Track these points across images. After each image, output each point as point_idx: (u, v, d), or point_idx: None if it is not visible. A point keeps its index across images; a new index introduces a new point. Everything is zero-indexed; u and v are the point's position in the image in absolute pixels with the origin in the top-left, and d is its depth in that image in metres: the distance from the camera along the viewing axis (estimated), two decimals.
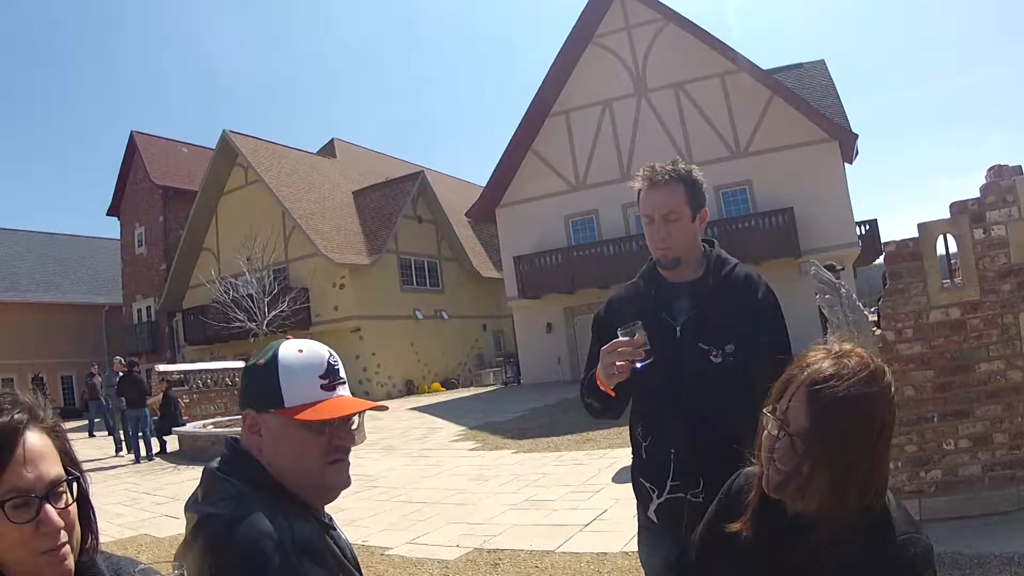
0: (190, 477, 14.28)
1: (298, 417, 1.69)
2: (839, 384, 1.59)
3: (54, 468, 1.39)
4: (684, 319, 2.87)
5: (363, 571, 1.69)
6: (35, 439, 1.38)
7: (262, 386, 1.74)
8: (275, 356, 1.75)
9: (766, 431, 1.72)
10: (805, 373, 1.65)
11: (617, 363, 2.57)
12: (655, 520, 2.91)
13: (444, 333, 38.14)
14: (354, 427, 1.82)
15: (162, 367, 24.16)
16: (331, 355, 1.80)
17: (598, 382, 2.71)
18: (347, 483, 1.80)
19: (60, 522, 1.34)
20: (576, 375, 29.17)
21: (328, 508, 1.82)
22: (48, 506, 1.33)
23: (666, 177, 2.89)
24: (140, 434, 17.76)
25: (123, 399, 18.09)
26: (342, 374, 1.81)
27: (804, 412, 1.62)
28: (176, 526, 9.54)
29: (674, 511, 2.79)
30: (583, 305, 29.38)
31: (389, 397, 32.66)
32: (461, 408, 23.95)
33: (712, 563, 1.96)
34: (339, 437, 1.75)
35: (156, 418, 19.23)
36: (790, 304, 2.88)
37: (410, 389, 34.91)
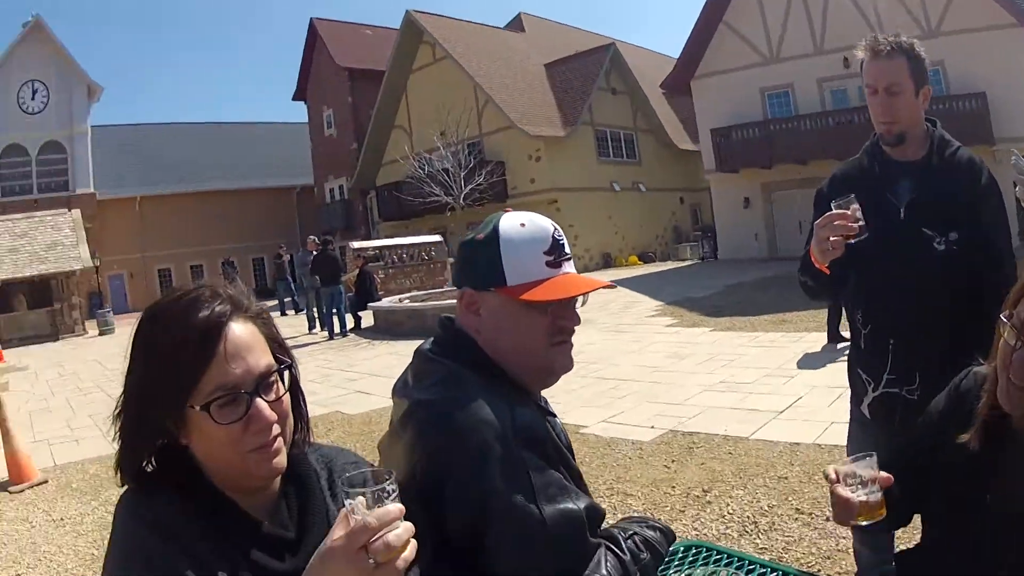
0: (385, 352, 14.99)
1: (523, 297, 1.60)
2: None
3: (263, 358, 1.31)
4: (908, 200, 2.77)
5: None
6: (241, 330, 1.30)
7: (482, 263, 1.65)
8: (496, 231, 1.65)
9: (1003, 338, 1.60)
10: None
11: (831, 238, 2.50)
12: (867, 415, 2.89)
13: (641, 205, 37.87)
14: (579, 306, 1.74)
15: (357, 244, 24.70)
16: (556, 229, 1.69)
17: (812, 259, 2.65)
18: (570, 366, 1.73)
19: (272, 416, 1.28)
20: (773, 252, 28.70)
21: None
22: (259, 400, 1.27)
23: (888, 48, 2.77)
24: (335, 311, 18.20)
25: (317, 278, 18.34)
26: (567, 249, 1.70)
27: None
28: (369, 402, 10.01)
29: (888, 407, 2.78)
30: (781, 181, 28.59)
31: (586, 270, 32.76)
32: (658, 282, 23.96)
33: (928, 466, 1.85)
34: (564, 317, 1.68)
35: (351, 294, 19.65)
36: None
37: (607, 262, 35.13)
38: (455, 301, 1.78)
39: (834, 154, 25.38)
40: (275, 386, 1.32)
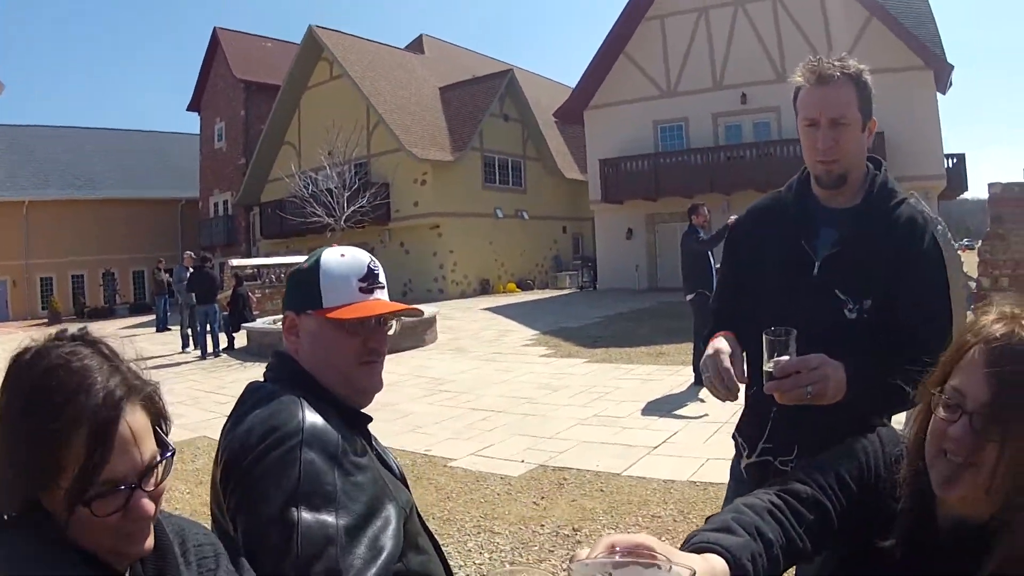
0: (257, 374, 14.40)
1: (331, 316, 1.74)
2: (1021, 345, 1.29)
3: (149, 448, 1.21)
4: (826, 255, 2.42)
5: (426, 483, 1.58)
6: (133, 419, 1.19)
7: (303, 288, 1.81)
8: (318, 260, 1.82)
9: (933, 419, 1.40)
10: (980, 337, 1.35)
11: (715, 384, 2.24)
12: (745, 476, 2.60)
13: (523, 233, 37.88)
14: (391, 332, 1.87)
15: (235, 261, 24.46)
16: (372, 260, 1.86)
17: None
18: (378, 387, 1.84)
19: (151, 508, 1.20)
20: (653, 284, 29.11)
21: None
22: (139, 492, 1.17)
23: (837, 74, 2.41)
24: (208, 330, 17.85)
25: (192, 295, 18.05)
26: (382, 279, 1.86)
27: (984, 382, 1.31)
28: None
29: (761, 474, 2.47)
30: (666, 213, 29.07)
31: (463, 296, 32.79)
32: (535, 311, 23.91)
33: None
34: (372, 339, 1.79)
35: (226, 314, 19.36)
36: None
37: (485, 288, 34.91)
38: None
39: (722, 188, 26.41)
40: (155, 472, 1.23)
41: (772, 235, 2.56)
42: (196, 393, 12.64)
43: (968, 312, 5.91)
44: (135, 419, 1.20)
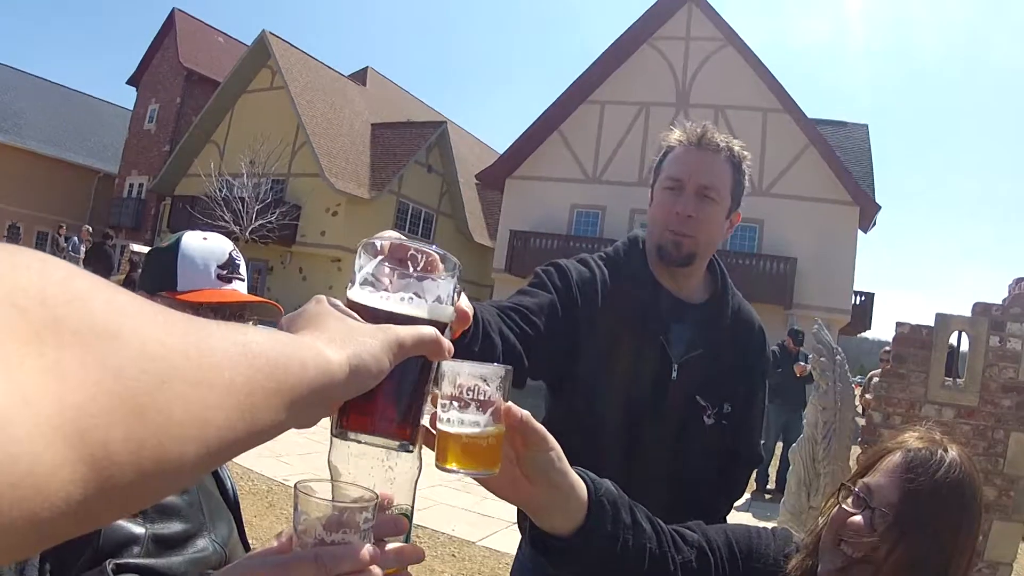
0: None
1: (181, 298, 1.64)
2: (938, 464, 1.34)
3: None
4: (686, 356, 2.10)
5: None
6: None
7: (159, 268, 1.72)
8: (178, 240, 1.75)
9: (836, 508, 1.41)
10: (903, 446, 1.40)
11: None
12: None
13: None
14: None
15: (135, 247, 23.84)
16: (235, 250, 1.80)
17: None
18: None
19: None
20: None
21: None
22: None
23: (722, 144, 2.14)
24: None
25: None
26: (242, 271, 1.80)
27: (896, 485, 1.35)
28: None
29: None
30: None
31: None
32: None
33: None
34: None
35: None
36: None
37: None
38: None
39: None
40: None
41: (622, 311, 2.12)
42: None
43: (855, 446, 6.03)
44: None
